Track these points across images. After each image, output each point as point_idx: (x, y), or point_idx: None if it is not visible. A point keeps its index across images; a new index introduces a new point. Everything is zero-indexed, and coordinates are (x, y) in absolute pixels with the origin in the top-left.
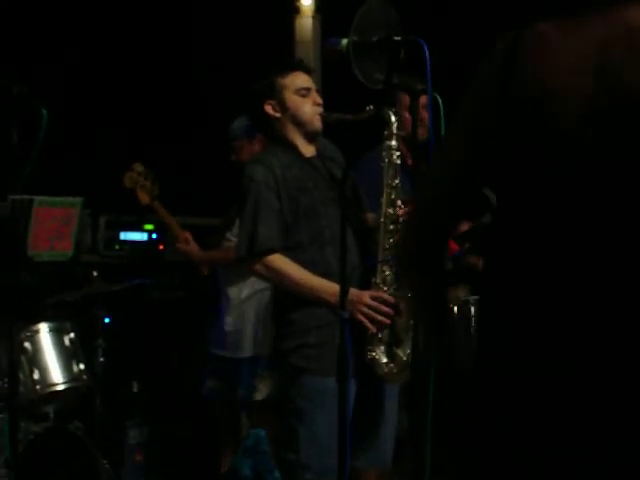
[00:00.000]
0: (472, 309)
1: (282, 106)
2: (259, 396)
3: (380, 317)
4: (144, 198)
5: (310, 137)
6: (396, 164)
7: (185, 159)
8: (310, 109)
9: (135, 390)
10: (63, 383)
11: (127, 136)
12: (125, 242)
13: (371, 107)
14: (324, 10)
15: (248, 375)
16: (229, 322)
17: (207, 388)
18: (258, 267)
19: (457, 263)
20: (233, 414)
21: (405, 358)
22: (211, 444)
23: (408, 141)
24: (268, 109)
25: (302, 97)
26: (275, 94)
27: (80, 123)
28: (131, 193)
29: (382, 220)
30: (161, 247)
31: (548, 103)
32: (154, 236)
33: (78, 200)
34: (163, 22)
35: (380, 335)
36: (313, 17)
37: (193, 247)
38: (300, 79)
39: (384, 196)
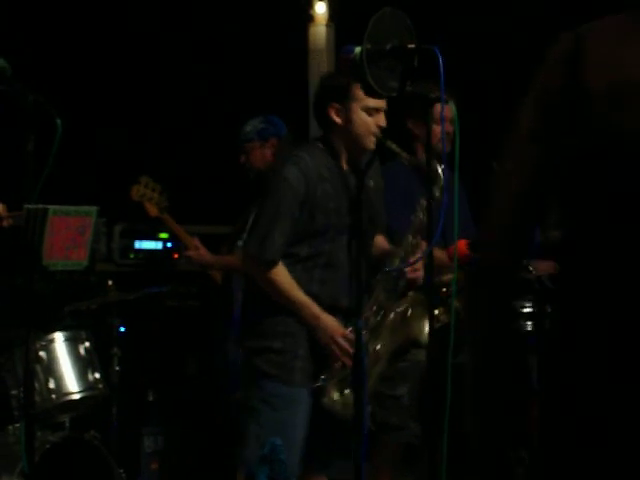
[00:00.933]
0: None
1: (346, 114)
2: None
3: (344, 358)
4: (152, 210)
5: (357, 153)
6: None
7: (194, 167)
8: (370, 128)
9: (150, 399)
10: (79, 392)
11: (139, 143)
12: (140, 251)
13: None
14: (338, 18)
15: None
16: None
17: (232, 398)
18: (260, 273)
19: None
20: None
21: (349, 401)
22: (227, 453)
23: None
24: (331, 111)
25: (368, 114)
26: (344, 100)
27: (94, 132)
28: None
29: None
30: (176, 256)
31: (628, 90)
32: (169, 245)
33: (93, 209)
34: (178, 31)
35: (338, 369)
36: (327, 25)
37: (203, 253)
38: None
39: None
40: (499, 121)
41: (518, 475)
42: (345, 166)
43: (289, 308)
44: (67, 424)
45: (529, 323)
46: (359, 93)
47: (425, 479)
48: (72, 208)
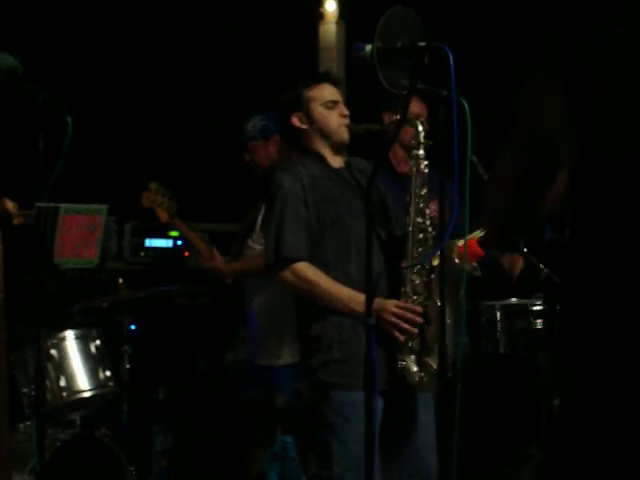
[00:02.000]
0: (498, 314)
1: (309, 118)
2: (305, 400)
3: (406, 326)
4: (163, 216)
5: (337, 148)
6: (424, 173)
7: (203, 163)
8: (337, 121)
9: (161, 397)
10: (89, 390)
11: (149, 141)
12: (150, 249)
13: (397, 117)
14: (348, 16)
15: (287, 381)
16: (261, 329)
17: (244, 397)
18: (286, 274)
19: (487, 268)
20: (270, 421)
21: (436, 367)
22: (237, 451)
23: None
24: (295, 121)
25: (329, 109)
26: (302, 106)
27: (104, 130)
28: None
29: (410, 229)
30: (186, 254)
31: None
32: (179, 243)
33: (104, 207)
34: (187, 29)
35: (410, 344)
36: (337, 23)
37: (220, 262)
38: (327, 91)
39: (412, 205)
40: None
41: (525, 472)
42: (334, 164)
43: (334, 306)
44: (78, 422)
45: (539, 321)
46: (311, 93)
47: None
48: (83, 206)
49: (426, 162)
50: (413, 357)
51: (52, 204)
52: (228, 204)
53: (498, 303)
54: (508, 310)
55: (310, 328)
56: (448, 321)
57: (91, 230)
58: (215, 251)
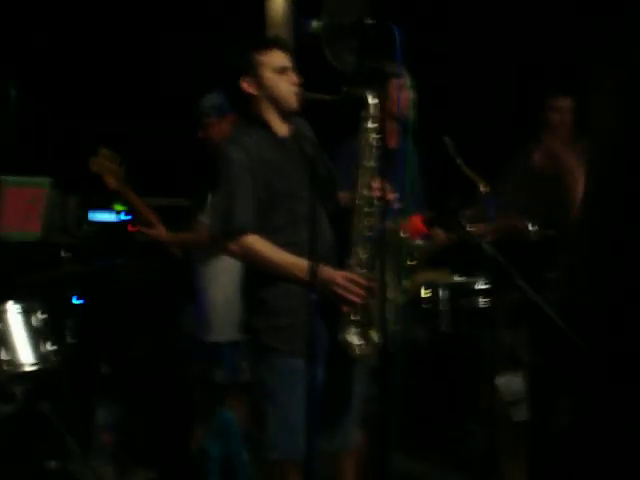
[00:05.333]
0: (441, 292)
1: (259, 83)
2: (245, 378)
3: (352, 296)
4: (112, 182)
5: (285, 116)
6: (372, 146)
7: (151, 137)
8: (287, 87)
9: (104, 371)
10: (32, 363)
11: (96, 114)
12: (95, 222)
13: (346, 88)
14: None
15: (230, 358)
16: (207, 304)
17: (187, 371)
18: (232, 247)
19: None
20: (210, 397)
21: (377, 339)
22: (180, 426)
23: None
24: (244, 85)
25: (279, 75)
26: (252, 71)
27: (47, 103)
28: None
29: (357, 202)
30: (131, 228)
31: None
32: (124, 216)
33: (46, 180)
34: (139, 3)
35: (353, 317)
36: None
37: (160, 230)
38: (278, 57)
39: (359, 178)
40: (453, 95)
41: (466, 448)
42: (280, 133)
43: (280, 274)
44: (19, 396)
45: (482, 300)
46: (262, 58)
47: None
48: (26, 179)
49: (375, 135)
50: (356, 329)
51: None
52: (177, 178)
53: (442, 282)
54: (451, 288)
55: (258, 292)
56: (390, 297)
57: (34, 203)
58: (155, 219)
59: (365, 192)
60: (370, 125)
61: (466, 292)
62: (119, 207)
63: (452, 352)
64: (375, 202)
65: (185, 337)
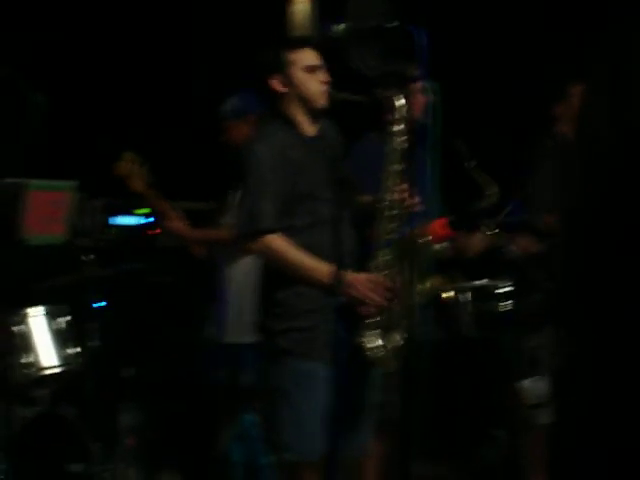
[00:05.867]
0: (464, 295)
1: (288, 81)
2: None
3: (377, 299)
4: (137, 186)
5: (314, 115)
6: (398, 149)
7: (175, 142)
8: (316, 87)
9: (128, 374)
10: (55, 367)
11: (119, 119)
12: (119, 226)
13: (379, 90)
14: None
15: (253, 361)
16: (231, 306)
17: (211, 375)
18: (257, 245)
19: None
20: (234, 400)
21: (401, 341)
22: (204, 429)
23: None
24: (273, 84)
25: (309, 74)
26: (282, 69)
27: (73, 108)
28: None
29: (381, 205)
30: (154, 231)
31: None
32: (146, 220)
33: (72, 184)
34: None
35: (375, 319)
36: (307, 3)
37: (180, 224)
38: (309, 56)
39: (384, 181)
40: (475, 101)
41: (491, 454)
42: (308, 132)
43: (301, 277)
44: (43, 399)
45: (505, 303)
46: (293, 56)
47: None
48: (51, 183)
49: (403, 138)
50: (378, 332)
51: (20, 180)
52: (201, 182)
53: (465, 285)
54: (474, 291)
55: (274, 293)
56: (413, 300)
57: (59, 206)
58: (179, 214)
59: (389, 196)
60: (397, 128)
61: (488, 295)
62: (141, 211)
63: (474, 356)
64: (399, 206)
65: (208, 340)
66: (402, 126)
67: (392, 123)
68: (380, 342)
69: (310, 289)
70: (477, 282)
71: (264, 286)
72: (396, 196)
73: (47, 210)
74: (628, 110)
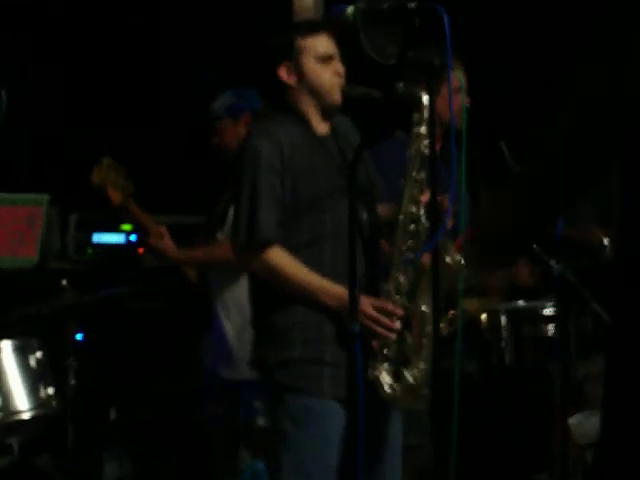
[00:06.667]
0: (502, 320)
1: (298, 71)
2: (261, 421)
3: (382, 330)
4: (116, 197)
5: (326, 112)
6: (424, 155)
7: (161, 148)
8: (331, 79)
9: (113, 417)
10: (29, 410)
11: (96, 125)
12: (98, 245)
13: (402, 85)
14: None
15: (250, 397)
16: (226, 335)
17: (207, 413)
18: (257, 260)
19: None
20: (232, 443)
21: (413, 381)
22: (201, 478)
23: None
24: (282, 73)
25: (323, 64)
26: (292, 56)
27: (47, 112)
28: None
29: (401, 217)
30: (141, 250)
31: None
32: (132, 238)
33: (44, 197)
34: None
35: (386, 352)
36: None
37: (168, 243)
38: (323, 44)
39: (405, 190)
40: (514, 92)
41: None
42: (319, 131)
43: (305, 298)
44: (15, 448)
45: (550, 327)
46: (305, 43)
47: None
48: (20, 196)
49: (427, 142)
50: (387, 366)
51: None
52: (191, 193)
53: (502, 307)
54: (514, 315)
55: (270, 318)
56: (437, 331)
57: (30, 224)
58: (164, 230)
59: (412, 208)
60: (422, 131)
61: (531, 318)
62: (126, 227)
63: (516, 389)
64: (422, 220)
65: (204, 374)
66: (427, 129)
67: (417, 124)
68: (388, 379)
69: (307, 314)
70: (517, 303)
71: (257, 310)
72: (419, 208)
73: (15, 228)
74: (629, 79)
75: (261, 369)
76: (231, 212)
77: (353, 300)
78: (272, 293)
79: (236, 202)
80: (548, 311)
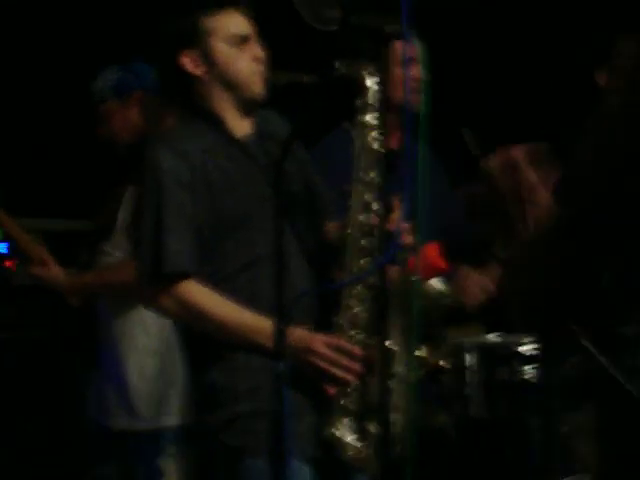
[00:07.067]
0: (468, 359)
1: (207, 59)
2: None
3: (340, 372)
4: None
5: (245, 107)
6: (372, 150)
7: (33, 142)
8: (248, 66)
9: None
10: None
11: None
12: None
13: (339, 64)
14: None
15: (150, 453)
16: (118, 375)
17: (97, 474)
18: (166, 298)
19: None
20: None
21: (376, 437)
22: None
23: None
24: (185, 62)
25: (237, 48)
26: (197, 41)
27: None
28: None
29: (349, 231)
30: (8, 264)
31: None
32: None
33: None
34: None
35: (343, 402)
36: None
37: (55, 272)
38: (235, 22)
39: (352, 196)
40: (479, 66)
41: None
42: (238, 132)
43: (233, 339)
44: None
45: (528, 368)
46: (212, 24)
47: None
48: None
49: (376, 133)
50: (348, 421)
51: None
52: (71, 194)
53: (468, 342)
54: (483, 353)
55: (205, 373)
56: (399, 369)
57: None
58: (48, 256)
59: (361, 217)
60: (369, 119)
61: (505, 358)
62: None
63: (488, 445)
64: (375, 232)
65: (90, 424)
66: (376, 117)
67: (361, 112)
68: (350, 436)
69: (249, 358)
70: (488, 337)
71: (189, 363)
72: (371, 218)
73: None
74: None
75: (205, 431)
76: (121, 216)
77: (279, 332)
78: (206, 340)
79: (138, 226)
80: (526, 348)
